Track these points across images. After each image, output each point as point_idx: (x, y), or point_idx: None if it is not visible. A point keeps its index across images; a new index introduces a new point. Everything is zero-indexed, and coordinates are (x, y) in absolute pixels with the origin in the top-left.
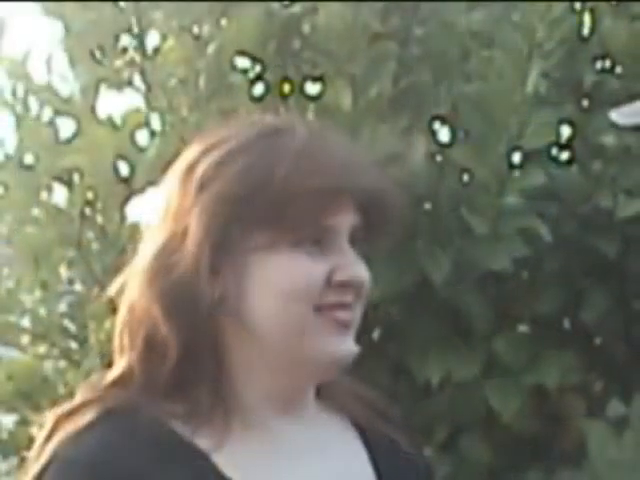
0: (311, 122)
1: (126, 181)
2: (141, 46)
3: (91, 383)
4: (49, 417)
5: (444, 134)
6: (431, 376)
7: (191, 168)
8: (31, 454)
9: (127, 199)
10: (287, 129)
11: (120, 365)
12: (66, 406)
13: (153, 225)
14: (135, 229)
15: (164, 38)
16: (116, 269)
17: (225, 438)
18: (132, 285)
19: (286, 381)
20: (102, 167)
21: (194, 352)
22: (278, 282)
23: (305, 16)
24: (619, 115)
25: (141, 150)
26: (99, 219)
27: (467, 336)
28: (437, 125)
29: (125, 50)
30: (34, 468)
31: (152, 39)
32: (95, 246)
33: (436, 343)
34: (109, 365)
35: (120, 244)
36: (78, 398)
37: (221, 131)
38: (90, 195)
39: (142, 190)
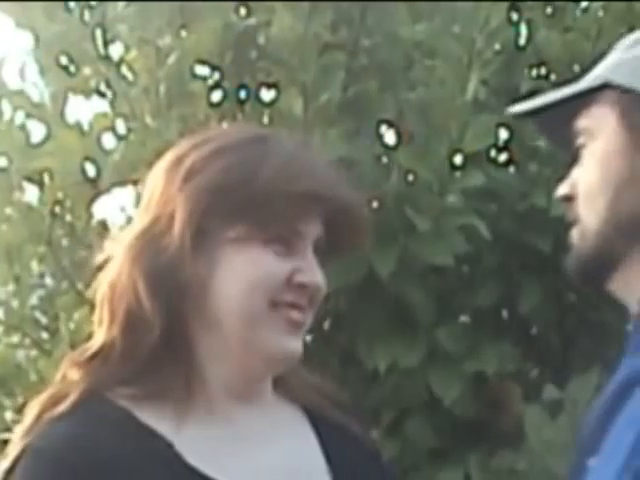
0: (295, 136)
1: (93, 182)
2: (106, 57)
3: (73, 356)
4: (34, 405)
5: (390, 137)
6: (378, 363)
7: (179, 159)
8: (15, 438)
9: (94, 198)
10: (275, 138)
11: (100, 337)
12: (50, 391)
13: (138, 210)
14: (102, 226)
15: (128, 49)
16: (84, 264)
17: (187, 422)
18: (114, 263)
19: (243, 370)
20: (71, 169)
21: (171, 332)
22: (243, 272)
23: (260, 28)
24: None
25: (107, 153)
26: (68, 217)
27: (412, 326)
28: (383, 129)
29: (92, 60)
30: (9, 458)
31: (117, 50)
32: (64, 242)
33: (383, 333)
34: None
35: (87, 240)
36: (59, 379)
37: (212, 131)
38: (60, 195)
39: (108, 190)
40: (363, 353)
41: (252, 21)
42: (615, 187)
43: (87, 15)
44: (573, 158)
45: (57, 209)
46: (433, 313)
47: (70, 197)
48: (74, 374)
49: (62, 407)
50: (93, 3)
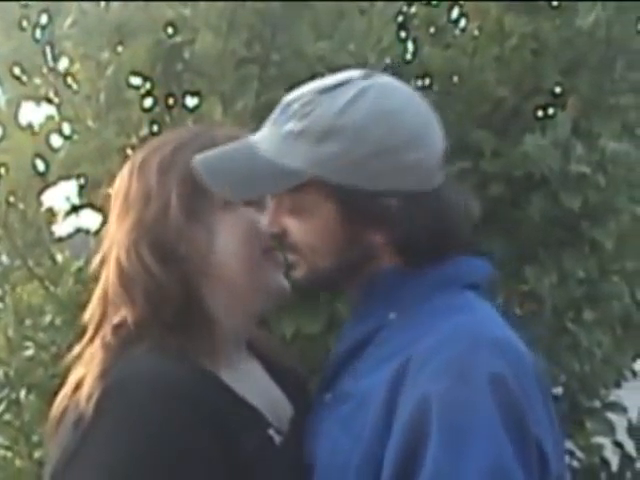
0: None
1: (42, 175)
2: (54, 69)
3: (103, 339)
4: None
5: None
6: (285, 331)
7: (145, 161)
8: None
9: (43, 189)
10: (211, 130)
11: (124, 320)
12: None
13: (113, 211)
14: (49, 212)
15: (72, 62)
16: (34, 244)
17: (219, 372)
18: (114, 257)
19: (249, 311)
20: (23, 164)
21: (187, 296)
22: (238, 229)
23: (185, 45)
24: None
25: (54, 151)
26: (21, 205)
27: (314, 298)
28: None
29: (42, 71)
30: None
31: (63, 63)
32: (17, 226)
33: (288, 304)
34: (21, 322)
35: (37, 225)
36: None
37: (161, 136)
38: (14, 186)
39: (55, 182)
40: (272, 322)
41: (179, 39)
42: (333, 250)
43: (38, 33)
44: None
45: (11, 198)
46: None
47: (22, 188)
48: (107, 353)
49: (135, 351)
50: (43, 23)
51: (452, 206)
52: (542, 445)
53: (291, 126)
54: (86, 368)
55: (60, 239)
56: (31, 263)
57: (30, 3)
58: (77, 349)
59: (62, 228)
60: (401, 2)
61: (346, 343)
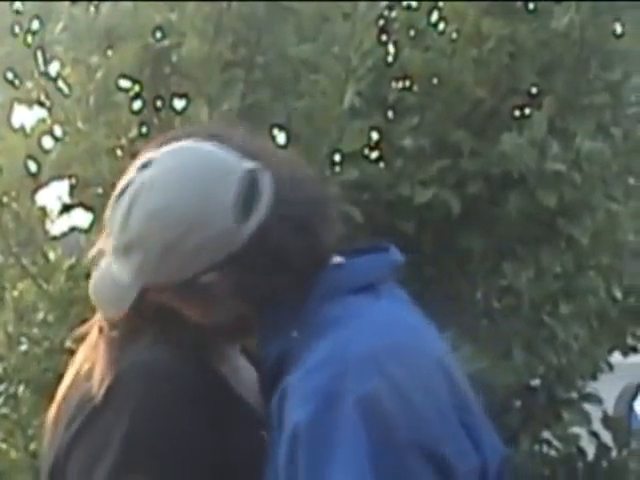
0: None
1: (34, 176)
2: (46, 73)
3: (105, 337)
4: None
5: (281, 138)
6: None
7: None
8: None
9: (35, 190)
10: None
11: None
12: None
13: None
14: (42, 212)
15: (63, 66)
16: (27, 243)
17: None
18: None
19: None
20: (16, 165)
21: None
22: None
23: (173, 48)
24: None
25: (46, 152)
26: (14, 205)
27: None
28: (275, 132)
29: (34, 75)
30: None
31: (54, 67)
32: (11, 225)
33: None
34: (21, 318)
35: (30, 224)
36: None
37: (163, 136)
38: (7, 186)
39: (47, 183)
40: None
41: (166, 43)
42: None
43: (30, 39)
44: None
45: (5, 198)
46: None
47: (15, 188)
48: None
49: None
50: (35, 28)
51: (284, 234)
52: (436, 449)
53: (114, 243)
54: (89, 358)
55: (55, 238)
56: (25, 261)
57: (22, 9)
58: (81, 329)
59: (57, 227)
60: (382, 6)
61: (265, 365)
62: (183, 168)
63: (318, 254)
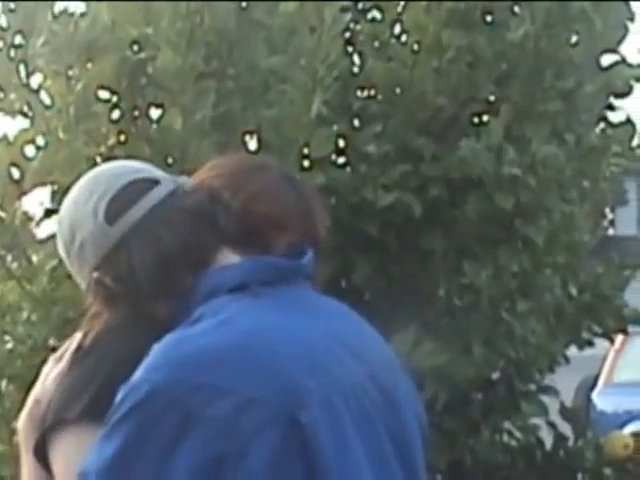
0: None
1: (18, 182)
2: (28, 85)
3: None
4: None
5: (252, 145)
6: None
7: None
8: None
9: (19, 196)
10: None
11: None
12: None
13: None
14: (25, 217)
15: (45, 79)
16: (11, 247)
17: None
18: None
19: None
20: (0, 173)
21: None
22: None
23: (149, 61)
24: None
25: (29, 160)
26: None
27: None
28: (247, 139)
29: (17, 87)
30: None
31: (36, 80)
32: None
33: None
34: (4, 317)
35: (14, 228)
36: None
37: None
38: None
39: (30, 189)
40: None
41: (142, 55)
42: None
43: (12, 52)
44: None
45: None
46: None
47: (0, 195)
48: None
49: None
50: (17, 43)
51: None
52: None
53: None
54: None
55: (41, 241)
56: (9, 263)
57: (5, 26)
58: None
59: (40, 231)
60: (348, 19)
61: None
62: (81, 180)
63: (197, 257)
